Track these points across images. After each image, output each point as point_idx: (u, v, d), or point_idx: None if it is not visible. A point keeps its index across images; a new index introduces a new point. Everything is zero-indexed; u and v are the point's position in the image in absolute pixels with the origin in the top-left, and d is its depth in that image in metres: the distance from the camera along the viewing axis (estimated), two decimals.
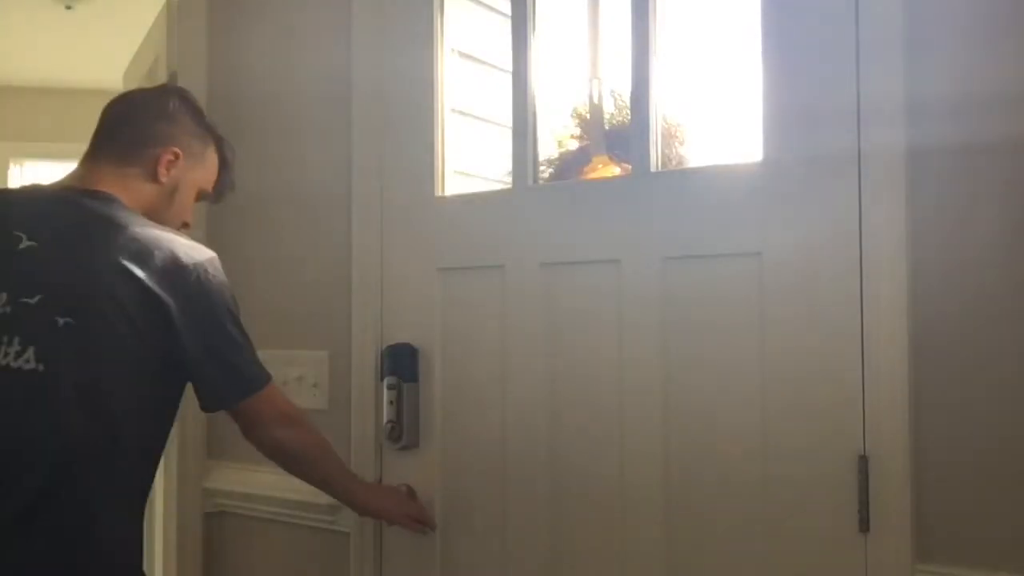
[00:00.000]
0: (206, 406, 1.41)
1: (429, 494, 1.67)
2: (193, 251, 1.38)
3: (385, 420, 1.68)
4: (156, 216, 1.45)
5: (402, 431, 1.66)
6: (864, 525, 1.28)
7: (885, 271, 1.29)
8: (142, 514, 1.39)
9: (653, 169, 1.50)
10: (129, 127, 1.49)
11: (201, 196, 1.60)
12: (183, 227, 1.53)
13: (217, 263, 1.40)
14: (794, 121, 1.35)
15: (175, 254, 1.34)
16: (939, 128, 1.26)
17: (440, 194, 1.70)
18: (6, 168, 4.83)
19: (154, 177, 1.47)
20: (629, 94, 1.55)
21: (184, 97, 1.57)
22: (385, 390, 1.69)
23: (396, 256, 1.72)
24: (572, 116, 1.99)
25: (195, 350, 1.33)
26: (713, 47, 1.78)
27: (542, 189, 1.68)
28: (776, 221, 1.33)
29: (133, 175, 1.45)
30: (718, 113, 1.79)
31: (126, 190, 1.43)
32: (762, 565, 1.30)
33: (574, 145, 1.96)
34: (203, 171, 1.56)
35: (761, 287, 1.33)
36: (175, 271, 1.33)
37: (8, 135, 4.81)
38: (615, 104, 1.92)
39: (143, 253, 1.31)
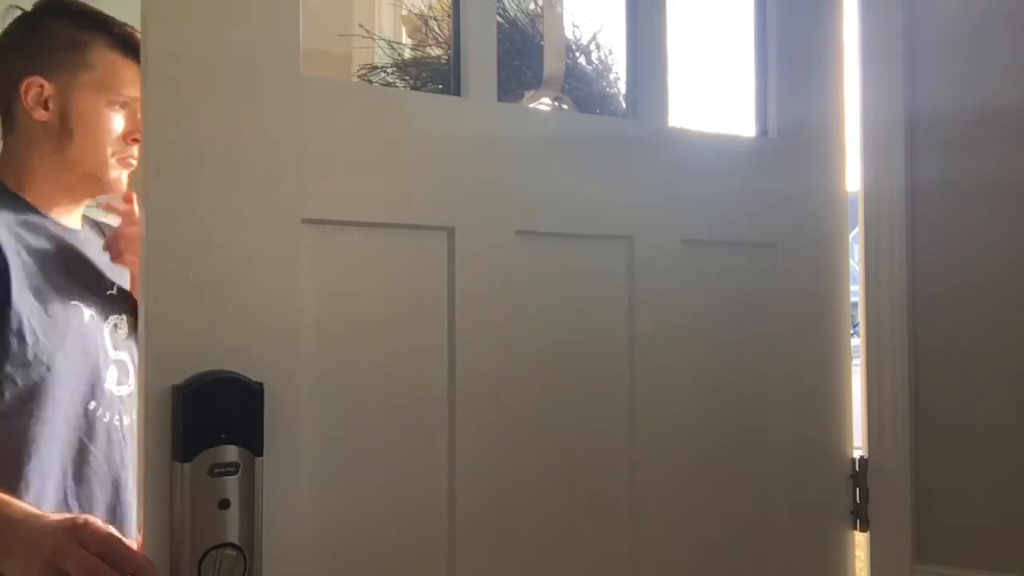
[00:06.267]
0: None
1: None
2: None
3: (209, 544, 0.80)
4: (62, 161, 1.21)
5: (248, 564, 0.81)
6: (863, 525, 1.28)
7: (885, 268, 1.28)
8: None
9: (671, 124, 1.13)
10: None
11: (126, 104, 1.24)
12: (134, 144, 1.24)
13: None
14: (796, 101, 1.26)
15: None
16: (939, 116, 1.27)
17: (308, 75, 0.88)
18: None
19: (33, 122, 1.20)
20: (625, 24, 1.13)
21: (45, 7, 1.24)
22: (185, 476, 0.79)
23: (208, 191, 0.83)
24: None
25: None
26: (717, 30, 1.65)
27: (520, 113, 1.12)
28: (786, 207, 1.24)
29: (13, 137, 1.22)
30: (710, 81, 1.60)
31: (5, 159, 1.23)
32: (761, 565, 1.27)
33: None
34: (89, 79, 1.21)
35: (772, 281, 1.23)
36: None
37: None
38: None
39: None
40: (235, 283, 0.85)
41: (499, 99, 1.04)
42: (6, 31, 1.24)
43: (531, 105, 1.20)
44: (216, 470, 0.81)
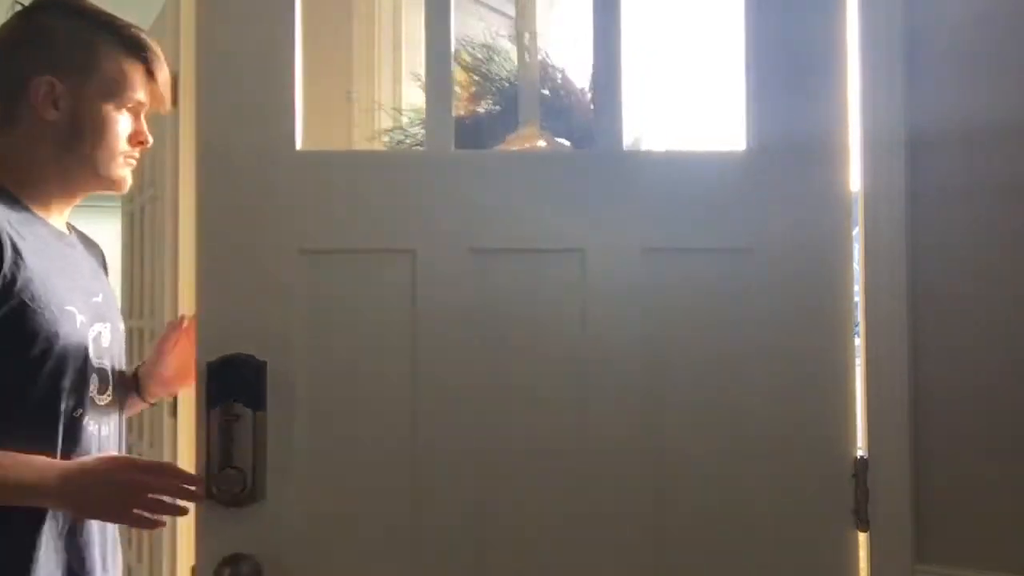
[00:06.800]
0: None
1: (283, 569, 1.23)
2: None
3: (217, 466, 1.19)
4: (72, 160, 1.26)
5: (246, 481, 1.20)
6: (864, 525, 1.28)
7: (884, 268, 1.28)
8: None
9: (626, 147, 1.31)
10: None
11: (132, 108, 1.30)
12: (137, 147, 1.31)
13: None
14: (783, 110, 1.31)
15: None
16: (940, 120, 1.26)
17: (302, 148, 1.26)
18: None
19: (41, 120, 1.23)
20: (591, 59, 1.31)
21: (53, 5, 1.27)
22: (209, 422, 1.20)
23: (236, 231, 1.25)
24: (457, 63, 1.58)
25: None
26: (693, 29, 1.67)
27: (471, 157, 1.38)
28: (765, 215, 1.30)
29: (14, 135, 1.25)
30: (691, 94, 1.64)
31: (2, 158, 1.25)
32: (761, 565, 1.30)
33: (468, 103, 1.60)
34: (101, 81, 1.25)
35: (755, 283, 1.29)
36: None
37: None
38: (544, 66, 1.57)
39: None
40: (253, 293, 1.26)
41: (484, 147, 1.31)
42: (13, 28, 1.25)
43: (513, 148, 1.44)
44: (227, 418, 1.22)
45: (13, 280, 1.15)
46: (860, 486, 1.29)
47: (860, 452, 1.30)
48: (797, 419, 1.29)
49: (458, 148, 1.33)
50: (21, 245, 1.18)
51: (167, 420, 2.03)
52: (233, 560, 1.22)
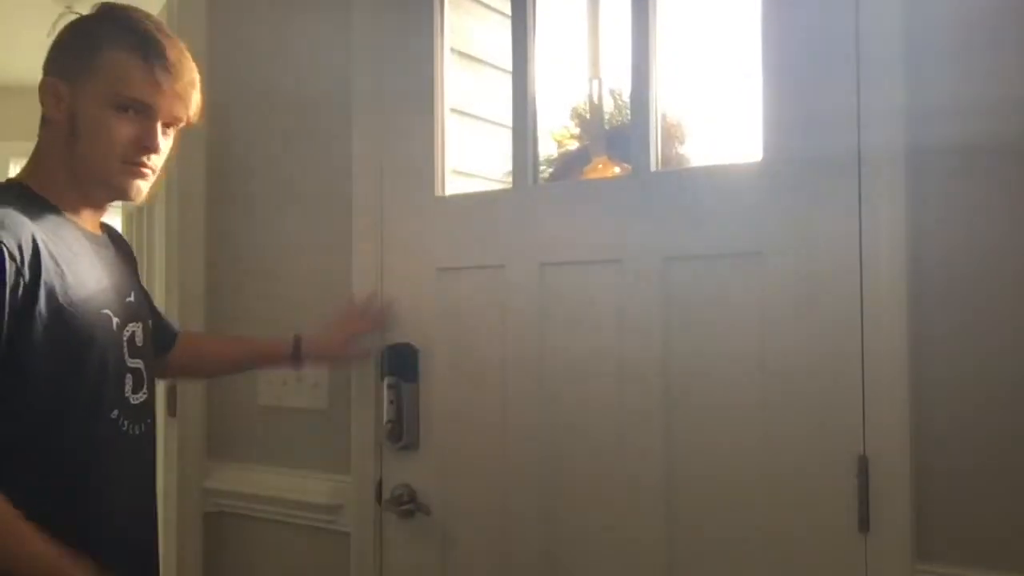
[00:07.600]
0: None
1: (429, 494, 1.70)
2: None
3: (385, 420, 1.71)
4: (74, 162, 1.22)
5: (402, 431, 1.70)
6: (864, 525, 1.27)
7: (885, 271, 1.27)
8: None
9: (653, 169, 1.49)
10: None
11: (138, 112, 1.22)
12: (142, 152, 1.23)
13: None
14: (794, 122, 1.35)
15: None
16: (939, 130, 1.25)
17: (440, 194, 1.70)
18: (6, 168, 4.39)
19: (52, 121, 1.23)
20: (629, 94, 1.53)
21: (101, 14, 1.25)
22: (385, 390, 1.71)
23: (396, 257, 1.74)
24: (572, 117, 1.91)
25: None
26: (713, 46, 1.63)
27: (542, 189, 1.69)
28: (776, 221, 1.35)
29: (42, 137, 1.25)
30: (718, 112, 1.63)
31: (34, 162, 1.26)
32: (762, 565, 1.34)
33: (574, 145, 1.88)
34: (97, 83, 1.20)
35: (761, 287, 1.36)
36: None
37: (8, 135, 4.01)
38: (615, 104, 1.82)
39: None
40: (410, 302, 1.77)
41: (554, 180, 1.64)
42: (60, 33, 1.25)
43: (587, 177, 1.69)
44: (389, 385, 1.75)
45: (52, 289, 1.14)
46: (860, 486, 1.28)
47: (859, 452, 1.29)
48: (805, 416, 1.33)
49: (572, 179, 1.65)
50: (57, 252, 1.16)
51: (167, 419, 2.05)
52: (399, 487, 1.75)
